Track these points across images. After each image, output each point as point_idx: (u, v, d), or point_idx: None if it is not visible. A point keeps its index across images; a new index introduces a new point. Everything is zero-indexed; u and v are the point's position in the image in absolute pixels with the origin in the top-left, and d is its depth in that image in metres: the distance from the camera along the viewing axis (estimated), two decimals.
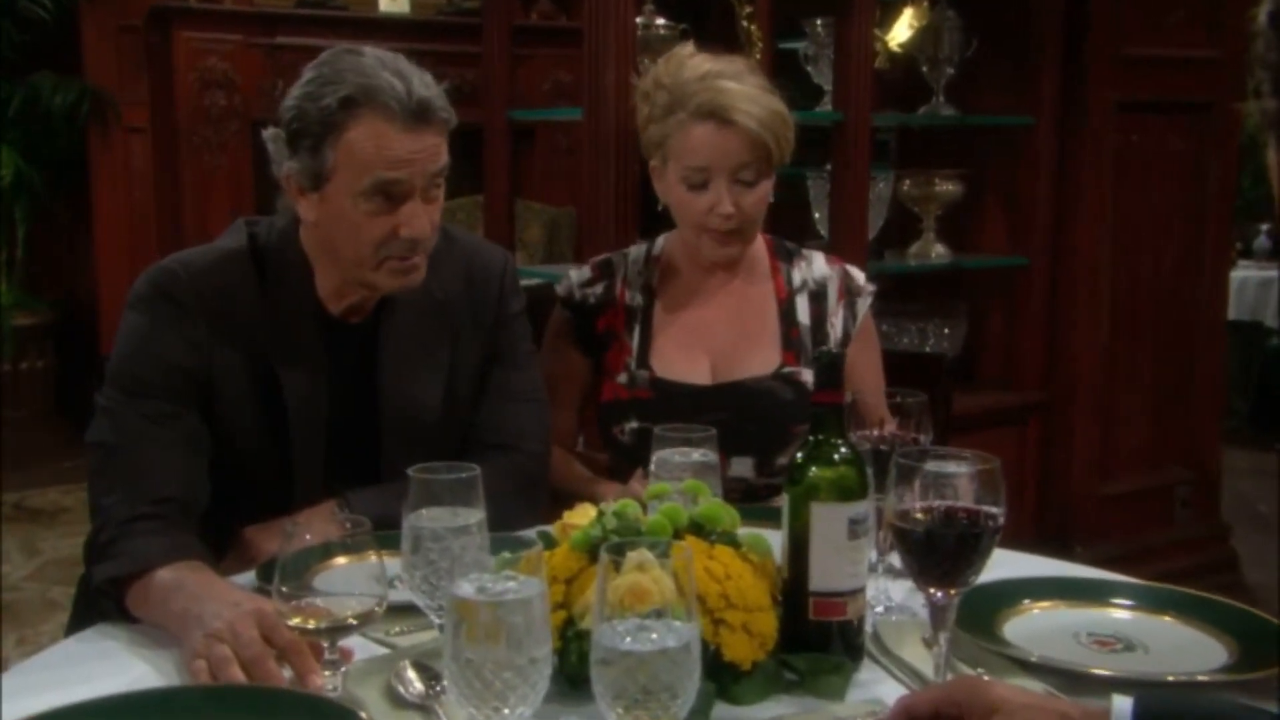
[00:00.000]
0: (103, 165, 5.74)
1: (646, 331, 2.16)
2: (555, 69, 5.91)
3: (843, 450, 1.37)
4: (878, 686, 1.35)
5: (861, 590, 1.38)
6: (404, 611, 1.39)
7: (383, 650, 1.42)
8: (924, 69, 3.63)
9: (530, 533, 1.47)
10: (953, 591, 1.25)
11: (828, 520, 1.35)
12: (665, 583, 1.06)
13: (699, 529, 1.39)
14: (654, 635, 1.03)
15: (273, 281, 1.80)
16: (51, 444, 5.34)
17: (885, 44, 3.59)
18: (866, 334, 2.19)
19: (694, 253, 2.15)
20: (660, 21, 3.11)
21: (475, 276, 1.95)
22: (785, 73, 3.08)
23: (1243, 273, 6.23)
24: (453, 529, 1.28)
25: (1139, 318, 3.87)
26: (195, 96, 5.50)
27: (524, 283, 2.10)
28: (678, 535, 1.36)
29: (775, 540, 1.41)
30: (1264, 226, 6.67)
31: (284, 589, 1.26)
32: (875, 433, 1.59)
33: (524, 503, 1.84)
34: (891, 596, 1.54)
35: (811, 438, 1.38)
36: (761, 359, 2.12)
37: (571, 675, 1.25)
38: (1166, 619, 1.51)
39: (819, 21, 3.42)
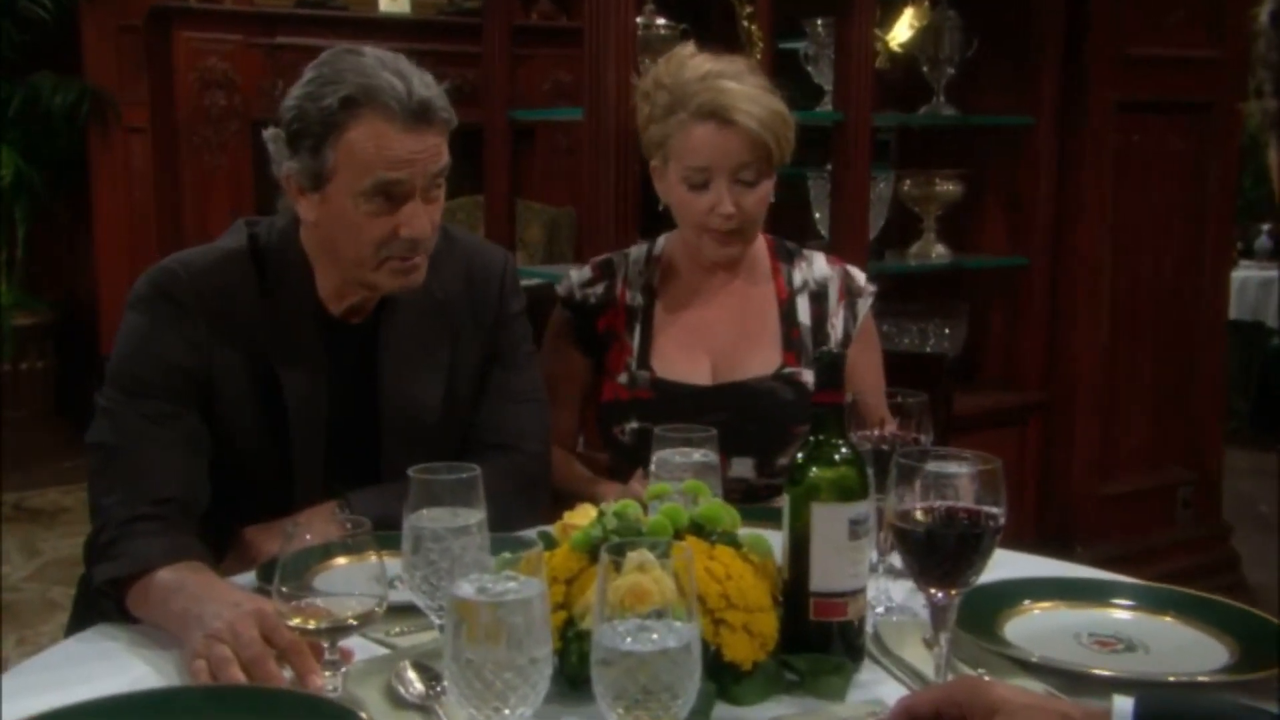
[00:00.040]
0: (103, 165, 5.75)
1: (647, 332, 2.16)
2: (556, 69, 5.91)
3: (843, 451, 1.37)
4: (878, 687, 1.35)
5: (862, 591, 1.38)
6: (404, 612, 1.39)
7: (383, 651, 1.42)
8: (924, 69, 3.63)
9: (530, 533, 1.47)
10: (953, 592, 1.25)
11: (828, 521, 1.35)
12: (666, 583, 1.05)
13: (699, 529, 1.39)
14: (654, 635, 1.03)
15: (273, 282, 1.80)
16: (51, 444, 5.34)
17: (886, 44, 3.59)
18: (867, 334, 2.19)
19: (695, 253, 2.15)
20: (661, 21, 3.11)
21: (475, 277, 1.95)
22: (785, 73, 3.08)
23: (1243, 273, 6.22)
24: (453, 529, 1.28)
25: (1140, 318, 3.87)
26: (195, 96, 5.50)
27: (524, 283, 2.09)
28: (678, 535, 1.36)
29: (776, 541, 1.40)
30: (1265, 226, 6.67)
31: (284, 589, 1.26)
32: (876, 433, 1.59)
33: (524, 503, 1.84)
34: (892, 597, 1.54)
35: (812, 438, 1.38)
36: (762, 359, 2.12)
37: (572, 676, 1.25)
38: (1167, 619, 1.51)
39: (819, 21, 3.42)
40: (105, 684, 1.32)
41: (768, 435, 2.08)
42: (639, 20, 2.96)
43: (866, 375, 2.14)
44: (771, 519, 1.51)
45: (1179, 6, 3.74)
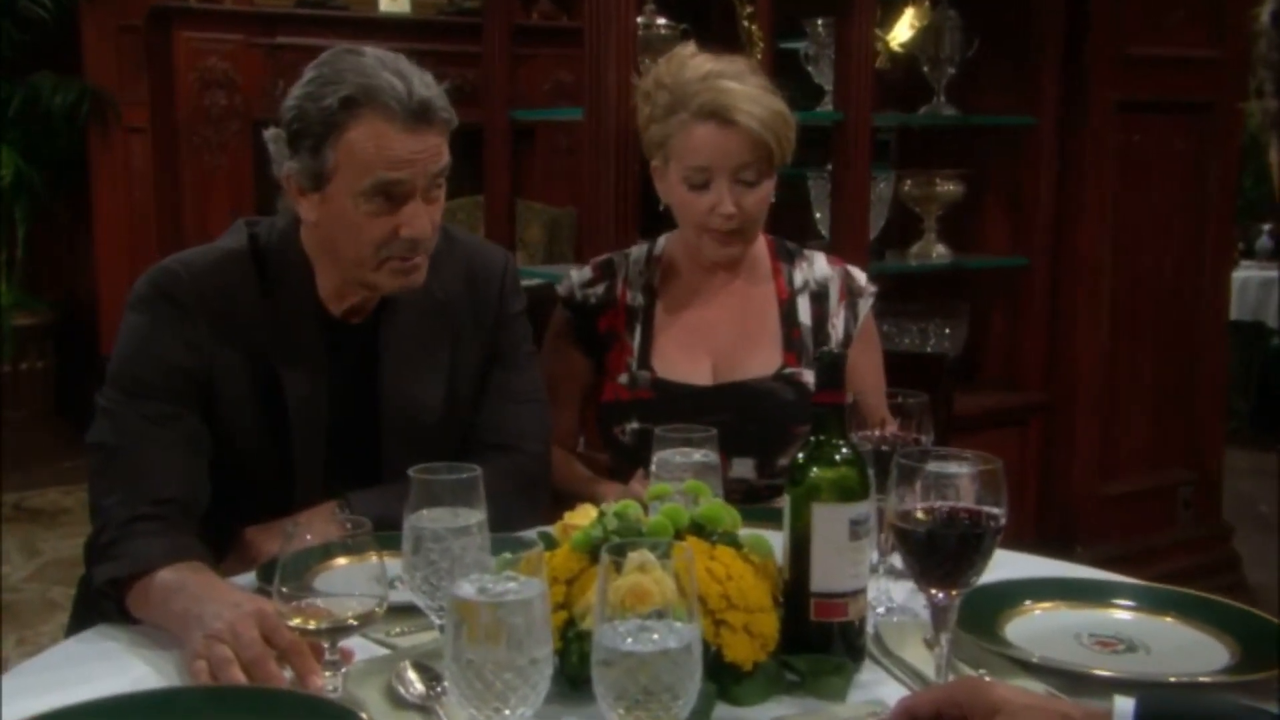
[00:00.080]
0: (103, 165, 5.75)
1: (648, 332, 2.16)
2: (556, 69, 5.91)
3: (844, 451, 1.37)
4: (879, 687, 1.35)
5: (863, 591, 1.38)
6: (404, 612, 1.39)
7: (383, 651, 1.42)
8: (925, 69, 3.63)
9: (531, 533, 1.47)
10: (954, 592, 1.25)
11: (829, 521, 1.35)
12: (666, 583, 1.05)
13: (700, 530, 1.39)
14: (655, 636, 1.03)
15: (273, 282, 1.79)
16: (51, 444, 5.34)
17: (886, 44, 3.59)
18: (868, 334, 2.19)
19: (695, 253, 2.15)
20: (661, 21, 3.11)
21: (476, 277, 1.95)
22: (786, 73, 3.08)
23: (1244, 273, 6.22)
24: (453, 529, 1.28)
25: (1140, 318, 3.87)
26: (195, 96, 5.50)
27: (525, 283, 2.09)
28: (679, 536, 1.36)
29: (776, 541, 1.40)
30: (1266, 226, 6.67)
31: (284, 590, 1.26)
32: (876, 433, 1.59)
33: (525, 503, 1.84)
34: (893, 597, 1.54)
35: (813, 438, 1.38)
36: (763, 360, 2.12)
37: (572, 676, 1.25)
38: (1168, 620, 1.51)
39: (820, 21, 3.41)
40: (105, 684, 1.32)
41: (768, 435, 2.08)
42: (639, 20, 2.96)
43: (867, 375, 2.13)
44: (772, 519, 1.51)
45: (1179, 6, 3.74)
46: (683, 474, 1.53)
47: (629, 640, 1.02)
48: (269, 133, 1.76)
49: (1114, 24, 3.65)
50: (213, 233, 1.93)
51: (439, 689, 1.26)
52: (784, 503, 1.38)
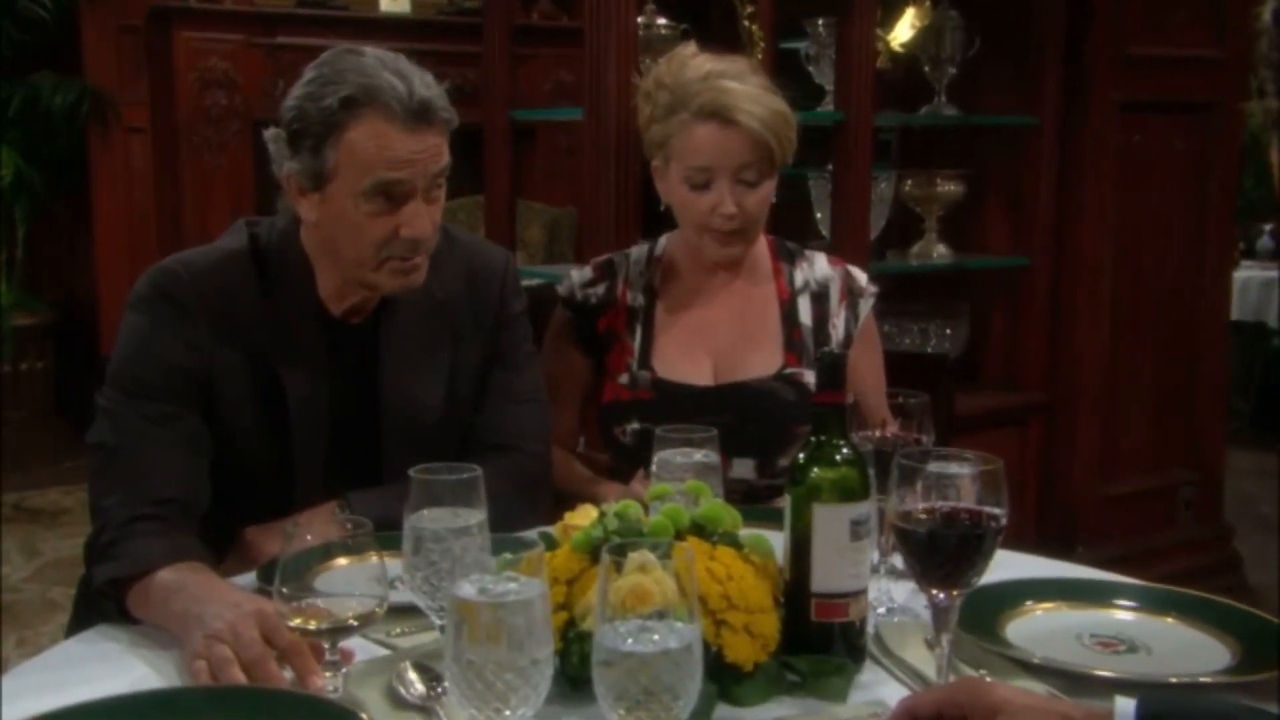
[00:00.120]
0: (103, 165, 5.75)
1: (648, 332, 2.15)
2: (556, 69, 5.91)
3: (845, 451, 1.37)
4: (880, 688, 1.35)
5: (864, 591, 1.38)
6: (405, 612, 1.39)
7: (384, 651, 1.42)
8: (926, 69, 3.63)
9: (531, 534, 1.47)
10: (955, 593, 1.25)
11: (830, 521, 1.34)
12: (667, 584, 1.05)
13: (701, 530, 1.39)
14: (656, 636, 1.03)
15: (273, 282, 1.79)
16: (51, 444, 5.34)
17: (887, 44, 3.58)
18: (868, 335, 2.19)
19: (696, 253, 2.15)
20: (661, 21, 3.10)
21: (476, 277, 1.94)
22: (787, 73, 3.07)
23: (1245, 273, 6.22)
24: (454, 530, 1.28)
25: (1141, 318, 3.87)
26: (195, 96, 5.50)
27: (525, 283, 2.09)
28: (679, 536, 1.36)
29: (777, 541, 1.40)
30: (1267, 227, 6.67)
31: (285, 590, 1.26)
32: (877, 433, 1.59)
33: (525, 503, 1.84)
34: (894, 598, 1.54)
35: (813, 439, 1.38)
36: (763, 360, 2.12)
37: (573, 676, 1.25)
38: (1169, 620, 1.51)
39: (820, 21, 3.41)
40: (106, 685, 1.32)
41: (769, 436, 2.07)
42: (640, 20, 2.96)
43: (868, 376, 2.13)
44: (773, 520, 1.50)
45: (1180, 6, 3.74)
46: (683, 474, 1.53)
47: (630, 641, 1.02)
48: (269, 133, 1.76)
49: (1115, 24, 3.65)
50: (213, 233, 1.93)
51: (439, 689, 1.26)
52: (785, 503, 1.38)
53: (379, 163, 1.67)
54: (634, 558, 1.07)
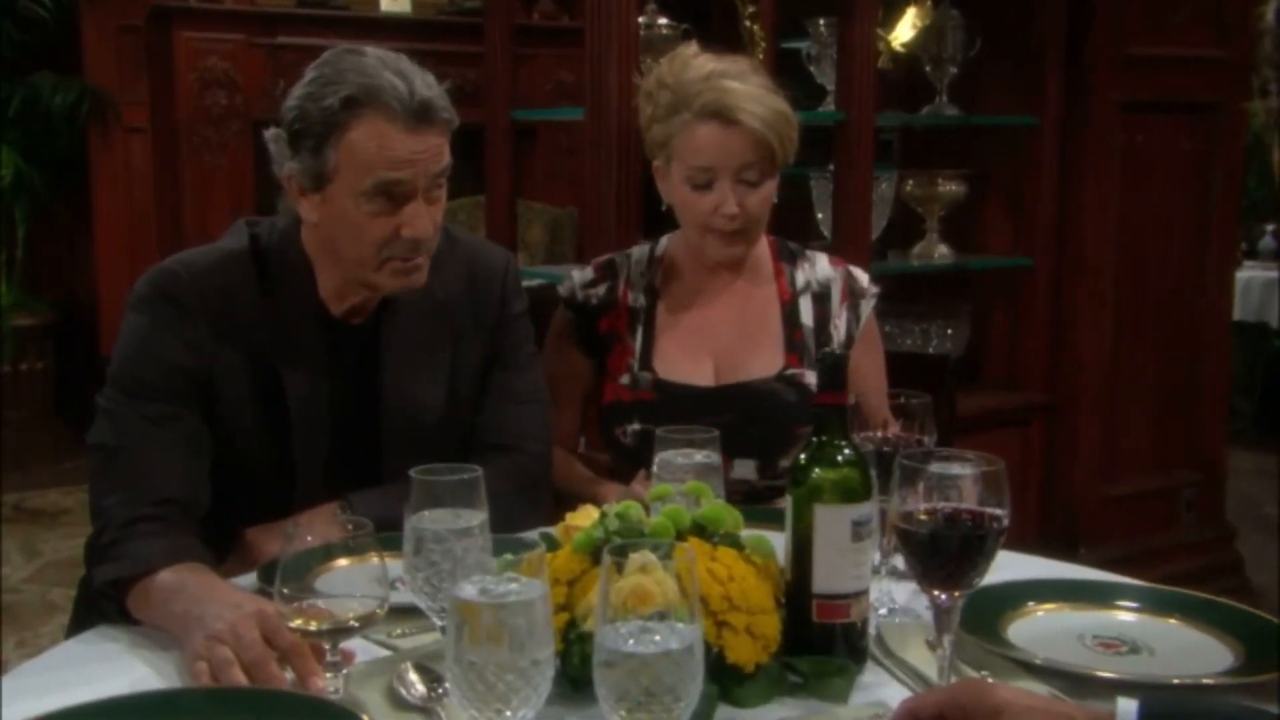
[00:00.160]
0: (103, 165, 5.74)
1: (649, 333, 2.15)
2: (557, 69, 5.91)
3: (846, 452, 1.37)
4: (881, 689, 1.35)
5: (865, 592, 1.38)
6: (406, 613, 1.39)
7: (384, 652, 1.41)
8: (927, 69, 3.63)
9: (532, 534, 1.47)
10: (957, 594, 1.24)
11: (831, 522, 1.34)
12: (668, 584, 1.05)
13: (702, 531, 1.39)
14: (657, 637, 1.02)
15: (274, 282, 1.79)
16: (51, 445, 5.34)
17: (888, 44, 3.58)
18: (870, 335, 2.19)
19: (698, 253, 2.14)
20: (662, 21, 3.10)
21: (477, 277, 1.94)
22: (788, 73, 3.07)
23: (1248, 273, 6.20)
24: (455, 530, 1.28)
25: (1143, 318, 3.87)
26: (195, 96, 5.50)
27: (526, 283, 2.09)
28: (680, 537, 1.35)
29: (778, 542, 1.40)
30: (1269, 227, 6.65)
31: (285, 591, 1.25)
32: (879, 434, 1.59)
33: (526, 504, 1.84)
34: (895, 598, 1.53)
35: (815, 439, 1.38)
36: (765, 361, 2.12)
37: (574, 677, 1.25)
38: (1171, 621, 1.51)
39: (822, 21, 3.41)
40: (106, 686, 1.32)
41: (770, 437, 2.07)
42: (641, 20, 2.96)
43: (869, 376, 2.13)
44: (774, 520, 1.50)
45: (1182, 6, 3.74)
46: (684, 475, 1.53)
47: (631, 642, 1.02)
48: (270, 133, 1.75)
49: (1116, 24, 3.64)
50: (213, 233, 1.93)
51: (440, 690, 1.26)
52: (786, 504, 1.38)
53: (380, 163, 1.67)
54: (635, 558, 1.07)
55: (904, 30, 3.63)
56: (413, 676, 1.30)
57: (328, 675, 1.27)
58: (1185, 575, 3.31)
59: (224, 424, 1.74)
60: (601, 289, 2.19)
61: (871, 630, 1.42)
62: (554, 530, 1.47)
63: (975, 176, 3.66)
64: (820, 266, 2.19)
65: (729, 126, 2.00)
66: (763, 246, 2.19)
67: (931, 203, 3.62)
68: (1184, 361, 3.95)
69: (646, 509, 1.41)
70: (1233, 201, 4.01)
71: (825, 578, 1.35)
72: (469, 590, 1.05)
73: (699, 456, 1.57)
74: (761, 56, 3.05)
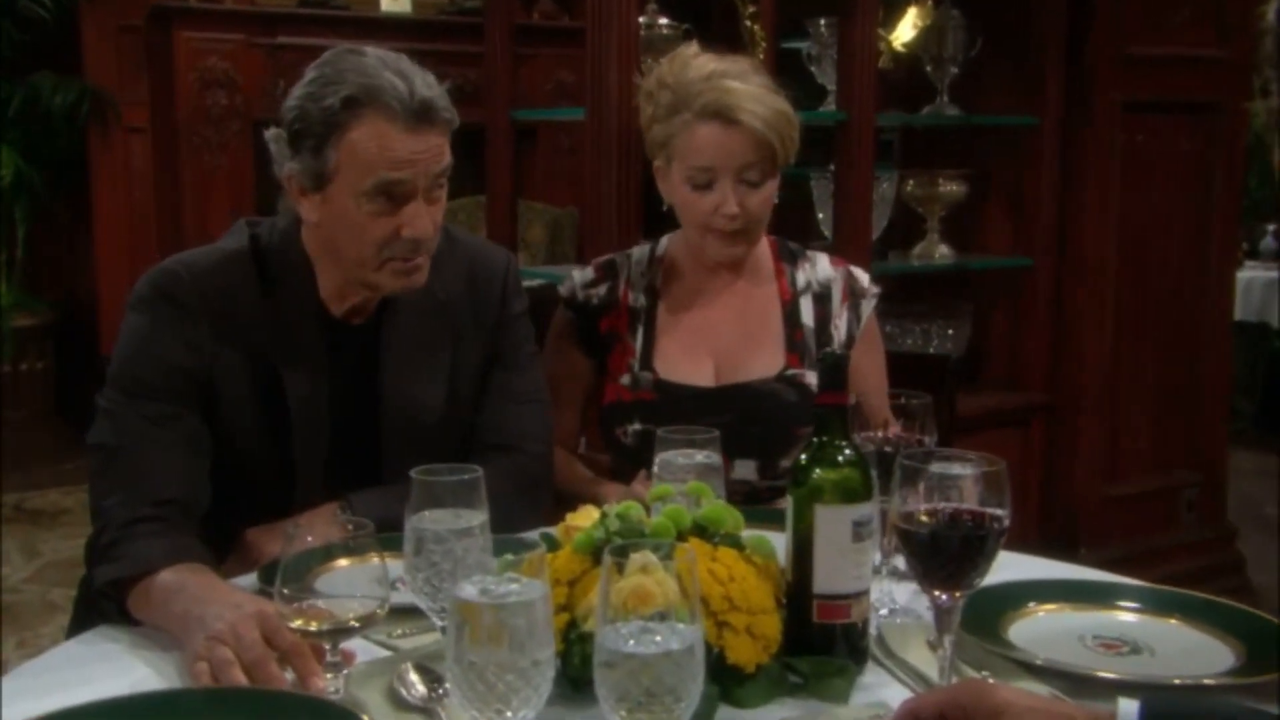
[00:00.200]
0: (103, 165, 5.74)
1: (650, 333, 2.15)
2: (558, 69, 5.91)
3: (847, 452, 1.37)
4: (882, 689, 1.34)
5: (866, 593, 1.38)
6: (406, 614, 1.38)
7: (385, 652, 1.41)
8: (928, 69, 3.63)
9: (533, 534, 1.47)
10: (957, 594, 1.24)
11: (832, 522, 1.34)
12: (669, 585, 1.05)
13: (702, 531, 1.39)
14: (657, 638, 1.02)
15: (274, 282, 1.79)
16: (51, 445, 5.34)
17: (889, 43, 3.58)
18: (870, 336, 2.19)
19: (698, 253, 2.14)
20: (663, 21, 3.10)
21: (477, 277, 1.94)
22: (788, 73, 3.07)
23: (1249, 273, 6.20)
24: (455, 531, 1.28)
25: (1144, 319, 3.87)
26: (195, 96, 5.50)
27: (526, 283, 2.09)
28: (681, 537, 1.35)
29: (779, 542, 1.40)
30: (1270, 227, 6.65)
31: (286, 591, 1.25)
32: (879, 434, 1.58)
33: (526, 504, 1.84)
34: (896, 599, 1.53)
35: (815, 440, 1.37)
36: (765, 361, 2.12)
37: (575, 678, 1.25)
38: (1172, 622, 1.51)
39: (822, 21, 3.41)
40: (106, 686, 1.31)
41: (771, 437, 2.07)
42: (641, 20, 2.96)
43: (870, 376, 2.13)
44: (774, 521, 1.50)
45: (1182, 6, 3.74)
46: (685, 475, 1.53)
47: (631, 642, 1.02)
48: (270, 133, 1.75)
49: (1116, 24, 3.64)
50: (213, 233, 1.93)
51: (441, 691, 1.26)
52: (786, 504, 1.38)
53: (380, 163, 1.67)
54: (636, 559, 1.07)
55: (905, 30, 3.63)
56: (413, 677, 1.30)
57: (328, 675, 1.27)
58: (1186, 575, 3.31)
59: (224, 424, 1.74)
60: (602, 289, 2.19)
61: (872, 631, 1.42)
62: (554, 530, 1.47)
63: (976, 176, 3.67)
64: (821, 266, 2.19)
65: (730, 126, 2.00)
66: (763, 246, 2.19)
67: (932, 203, 3.62)
68: (1185, 361, 3.95)
69: (647, 509, 1.41)
70: (1233, 201, 4.00)
71: (826, 578, 1.35)
72: (469, 590, 1.05)
73: (699, 457, 1.57)
74: (762, 56, 3.05)
